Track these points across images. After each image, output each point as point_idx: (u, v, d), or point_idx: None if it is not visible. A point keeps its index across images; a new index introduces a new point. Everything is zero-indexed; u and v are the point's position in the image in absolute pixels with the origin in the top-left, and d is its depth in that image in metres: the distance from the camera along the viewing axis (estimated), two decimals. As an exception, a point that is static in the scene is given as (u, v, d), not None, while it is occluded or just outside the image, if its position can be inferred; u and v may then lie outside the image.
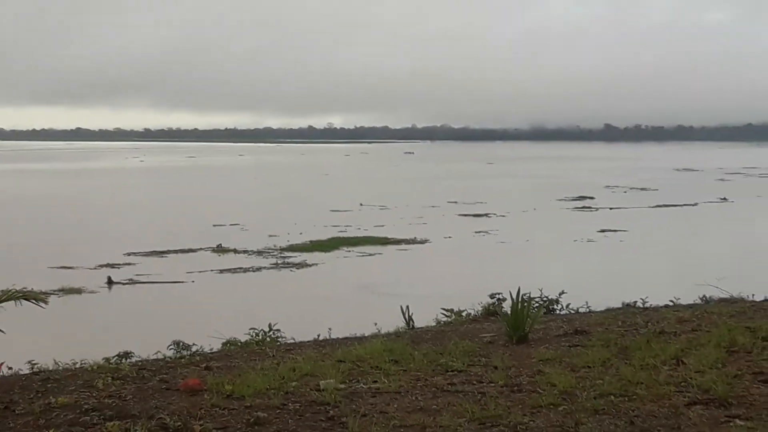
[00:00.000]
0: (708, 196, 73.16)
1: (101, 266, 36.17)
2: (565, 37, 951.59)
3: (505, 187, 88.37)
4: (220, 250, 41.26)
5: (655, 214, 61.53)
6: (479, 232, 49.20)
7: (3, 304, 12.02)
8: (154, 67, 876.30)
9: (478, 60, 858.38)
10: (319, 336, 14.65)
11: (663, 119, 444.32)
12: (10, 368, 11.11)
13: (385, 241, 44.67)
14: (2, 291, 12.07)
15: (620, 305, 17.28)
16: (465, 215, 58.91)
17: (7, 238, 45.57)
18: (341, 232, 48.51)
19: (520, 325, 12.62)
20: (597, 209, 63.75)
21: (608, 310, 16.63)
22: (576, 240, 44.98)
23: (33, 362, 11.55)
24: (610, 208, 63.79)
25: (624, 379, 9.83)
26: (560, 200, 70.84)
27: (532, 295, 14.98)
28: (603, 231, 48.52)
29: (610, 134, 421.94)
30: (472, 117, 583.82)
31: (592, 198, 72.37)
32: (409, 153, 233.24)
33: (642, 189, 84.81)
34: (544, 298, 17.10)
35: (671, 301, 17.38)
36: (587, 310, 17.05)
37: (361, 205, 65.53)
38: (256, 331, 14.74)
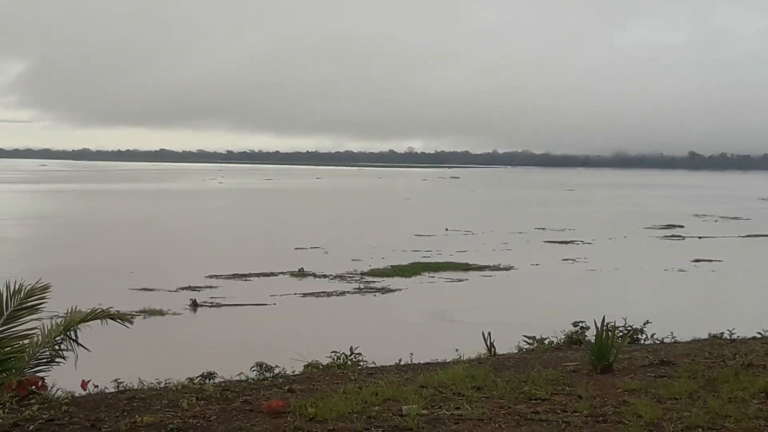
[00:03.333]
0: (803, 227, 71.75)
1: (182, 289, 36.47)
2: (649, 65, 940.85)
3: (590, 215, 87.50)
4: (301, 273, 41.42)
5: (748, 243, 60.39)
6: (567, 259, 48.72)
7: (89, 323, 12.25)
8: (236, 91, 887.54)
9: (561, 86, 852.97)
10: (400, 360, 14.62)
11: (749, 148, 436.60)
12: (96, 386, 11.23)
13: (467, 267, 44.41)
14: (88, 311, 12.29)
15: (707, 336, 17.00)
16: (551, 242, 58.41)
17: (88, 260, 46.29)
18: (424, 257, 48.34)
19: (604, 355, 12.47)
20: (686, 238, 62.80)
21: (694, 341, 16.37)
22: (666, 269, 44.32)
23: (119, 381, 11.68)
24: (699, 237, 62.80)
25: (712, 412, 9.66)
26: (648, 228, 69.92)
27: (616, 324, 14.79)
28: (697, 261, 47.69)
29: (694, 162, 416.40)
30: (553, 143, 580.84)
31: (681, 227, 71.27)
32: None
33: (733, 218, 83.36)
34: (629, 328, 16.88)
35: (759, 333, 17.06)
36: (672, 340, 16.79)
37: (446, 230, 65.39)
38: (337, 354, 14.75)
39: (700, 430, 9.00)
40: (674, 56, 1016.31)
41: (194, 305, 33.13)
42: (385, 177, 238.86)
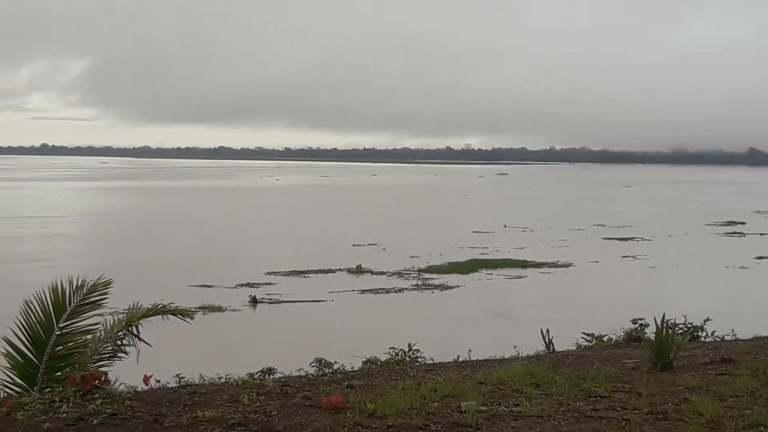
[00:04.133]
0: None
1: (241, 285, 36.74)
2: (708, 61, 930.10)
3: (649, 211, 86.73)
4: (359, 270, 41.53)
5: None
6: (626, 256, 48.35)
7: (150, 319, 12.39)
8: (295, 89, 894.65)
9: (619, 83, 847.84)
10: (459, 357, 14.59)
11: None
12: (158, 381, 11.32)
13: (525, 264, 44.25)
14: (149, 306, 12.44)
15: (768, 334, 16.79)
16: (611, 239, 57.98)
17: (148, 256, 46.79)
18: (482, 254, 48.22)
19: (664, 352, 12.35)
20: (747, 235, 62.02)
21: (756, 339, 16.16)
22: (728, 266, 43.80)
23: (180, 376, 11.77)
24: (761, 234, 61.98)
25: (774, 410, 9.55)
26: (708, 225, 69.18)
27: (676, 322, 14.65)
28: (760, 258, 47.05)
29: (754, 158, 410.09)
30: (611, 139, 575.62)
31: (742, 223, 70.38)
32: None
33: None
34: (689, 325, 16.71)
35: (822, 330, 16.82)
36: (733, 338, 16.60)
37: (505, 226, 65.21)
38: (395, 350, 14.75)
39: (762, 428, 8.89)
40: (734, 52, 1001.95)
41: (253, 301, 33.39)
42: (442, 174, 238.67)
